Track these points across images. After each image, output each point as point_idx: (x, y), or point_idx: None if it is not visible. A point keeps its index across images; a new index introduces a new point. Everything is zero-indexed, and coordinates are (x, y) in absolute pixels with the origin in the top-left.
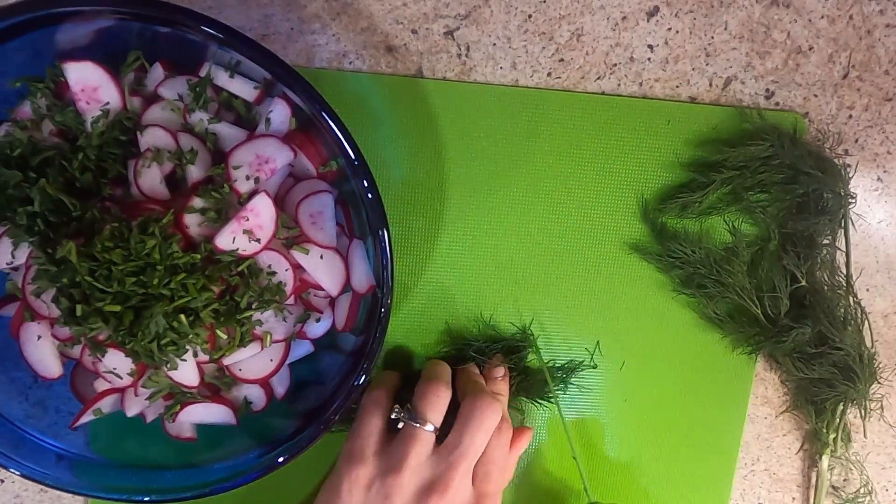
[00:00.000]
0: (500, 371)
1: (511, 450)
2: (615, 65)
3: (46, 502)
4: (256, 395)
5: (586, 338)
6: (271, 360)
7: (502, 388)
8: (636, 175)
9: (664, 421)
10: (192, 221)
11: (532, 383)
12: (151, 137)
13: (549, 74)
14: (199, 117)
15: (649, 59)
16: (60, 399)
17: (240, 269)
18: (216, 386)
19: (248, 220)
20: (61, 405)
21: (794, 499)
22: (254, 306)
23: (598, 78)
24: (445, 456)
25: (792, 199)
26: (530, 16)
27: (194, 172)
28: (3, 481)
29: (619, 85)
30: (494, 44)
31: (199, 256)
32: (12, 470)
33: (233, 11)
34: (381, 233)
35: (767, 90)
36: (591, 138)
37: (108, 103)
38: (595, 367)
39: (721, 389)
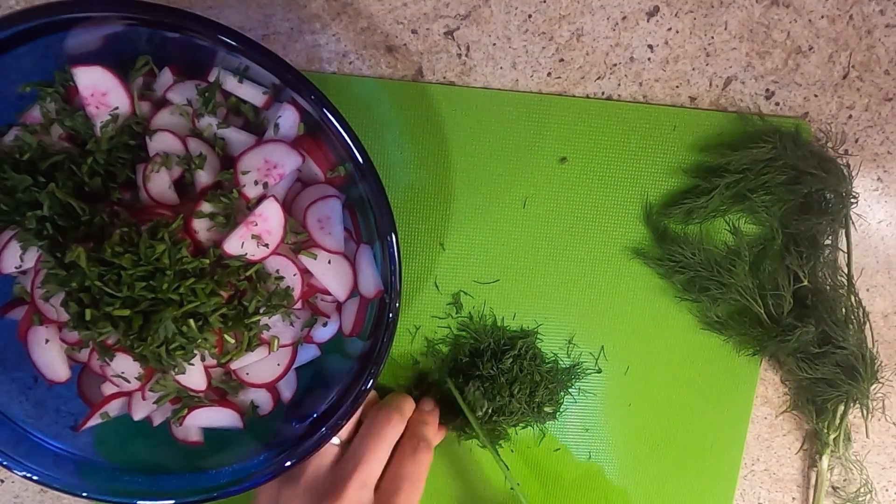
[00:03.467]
0: (430, 405)
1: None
2: (615, 65)
3: (46, 503)
4: (263, 399)
5: (590, 342)
6: (278, 365)
7: (429, 418)
8: (640, 180)
9: (668, 424)
10: (200, 226)
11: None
12: (160, 142)
13: (549, 74)
14: (208, 122)
15: (649, 59)
16: (60, 400)
17: (248, 273)
18: (223, 390)
19: (256, 225)
20: (61, 406)
21: (794, 499)
22: (262, 311)
23: (599, 78)
24: (342, 466)
25: (795, 200)
26: (530, 16)
27: (203, 177)
28: (2, 481)
29: (619, 85)
30: (494, 44)
31: (207, 261)
32: (16, 471)
33: (233, 11)
34: (389, 238)
35: (767, 90)
36: (596, 143)
37: (117, 108)
38: (599, 371)
39: (725, 393)
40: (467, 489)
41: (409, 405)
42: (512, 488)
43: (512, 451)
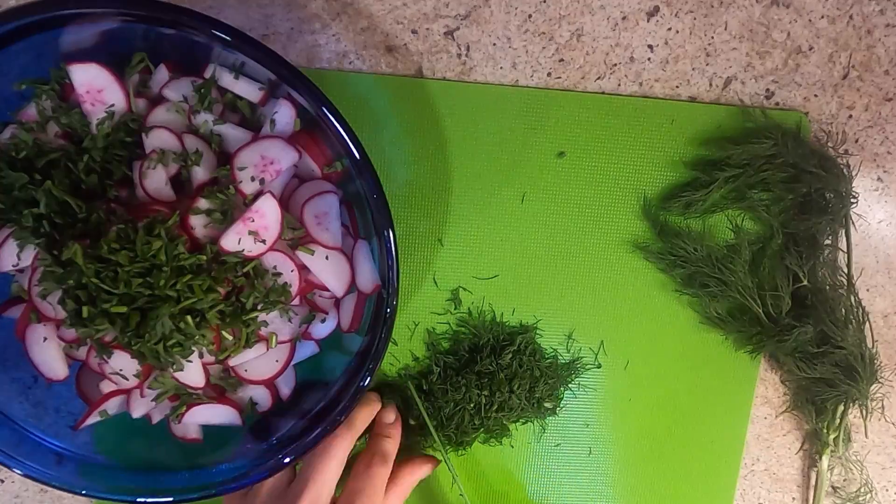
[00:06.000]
0: (391, 417)
1: (402, 479)
2: (615, 65)
3: (46, 502)
4: (262, 395)
5: (590, 337)
6: (277, 361)
7: (391, 431)
8: (640, 174)
9: (668, 420)
10: (197, 223)
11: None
12: (156, 139)
13: (549, 74)
14: (204, 119)
15: (649, 59)
16: (61, 399)
17: (245, 270)
18: (222, 387)
19: (253, 221)
20: (61, 405)
21: (794, 499)
22: (259, 307)
23: (599, 78)
24: (293, 487)
25: (795, 198)
26: (530, 16)
27: (199, 174)
28: (2, 481)
29: (619, 85)
30: (494, 44)
31: (204, 258)
32: (16, 470)
33: (233, 11)
34: (386, 233)
35: (767, 90)
36: (595, 138)
37: (113, 105)
38: (599, 366)
39: (725, 389)
40: None
41: (360, 419)
42: (461, 494)
43: (512, 446)
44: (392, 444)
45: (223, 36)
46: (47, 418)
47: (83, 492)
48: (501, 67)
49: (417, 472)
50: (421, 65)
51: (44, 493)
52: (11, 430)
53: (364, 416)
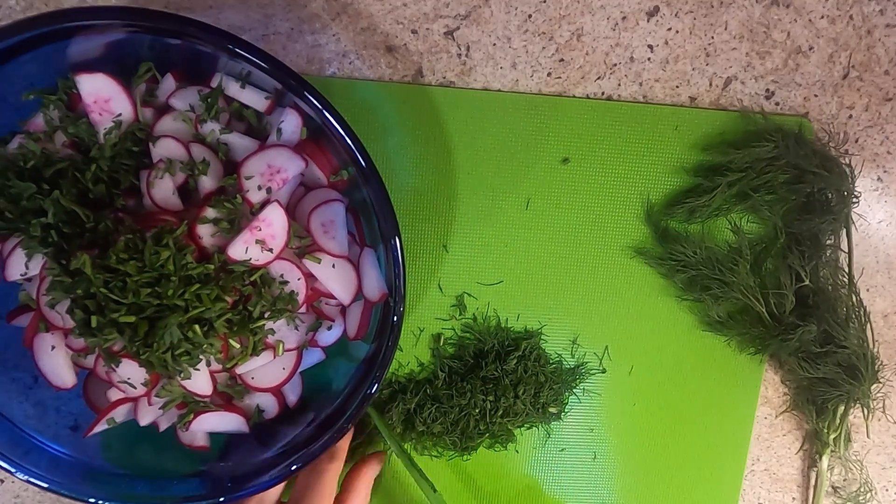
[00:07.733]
0: None
1: (357, 477)
2: (615, 65)
3: (46, 503)
4: (269, 403)
5: (595, 342)
6: (283, 369)
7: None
8: (643, 179)
9: (673, 424)
10: (205, 232)
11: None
12: (163, 148)
13: (549, 74)
14: (211, 128)
15: (649, 59)
16: (61, 400)
17: (253, 278)
18: (229, 394)
19: (260, 229)
20: (62, 406)
21: (794, 499)
22: (266, 315)
23: (599, 78)
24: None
25: (797, 199)
26: (530, 16)
27: (207, 183)
28: (2, 481)
29: (619, 85)
30: (494, 44)
31: (212, 267)
32: (19, 475)
33: (233, 11)
34: (393, 241)
35: (767, 90)
36: (598, 143)
37: (120, 115)
38: (604, 371)
39: (729, 391)
40: None
41: (342, 447)
42: None
43: (517, 451)
44: (341, 440)
45: (231, 47)
46: (47, 419)
47: (90, 499)
48: (501, 67)
49: (369, 473)
50: (421, 65)
51: (43, 494)
52: (13, 434)
53: (344, 443)
